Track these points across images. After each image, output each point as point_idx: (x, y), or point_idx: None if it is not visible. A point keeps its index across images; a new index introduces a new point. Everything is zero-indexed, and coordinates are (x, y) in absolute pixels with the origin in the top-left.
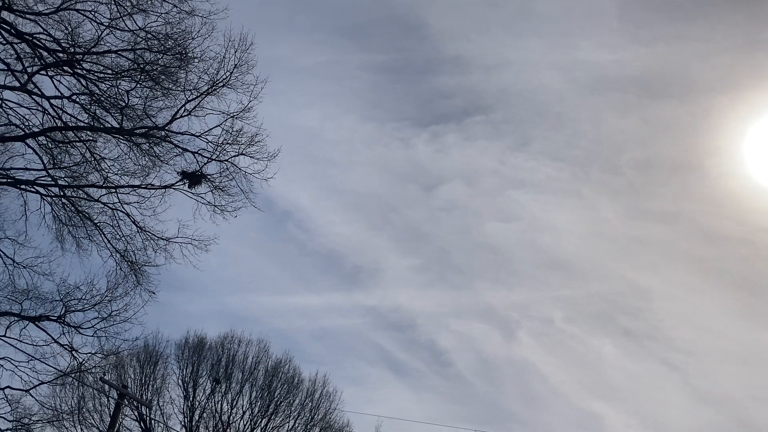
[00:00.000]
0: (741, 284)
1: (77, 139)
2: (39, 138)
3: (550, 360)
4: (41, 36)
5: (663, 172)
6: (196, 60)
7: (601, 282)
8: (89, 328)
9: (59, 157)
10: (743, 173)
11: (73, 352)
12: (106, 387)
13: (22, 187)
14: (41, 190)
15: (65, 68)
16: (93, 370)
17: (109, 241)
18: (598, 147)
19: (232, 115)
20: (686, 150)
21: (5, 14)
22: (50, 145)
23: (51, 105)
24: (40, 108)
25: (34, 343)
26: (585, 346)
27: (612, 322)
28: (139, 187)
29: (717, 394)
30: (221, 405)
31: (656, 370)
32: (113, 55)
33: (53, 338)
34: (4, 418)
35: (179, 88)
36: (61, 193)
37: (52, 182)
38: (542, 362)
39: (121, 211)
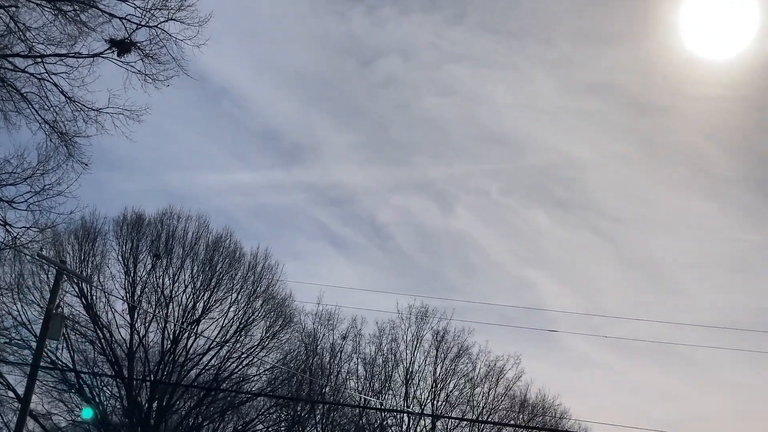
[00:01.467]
0: (671, 154)
1: None
2: None
3: (487, 231)
4: None
5: (597, 44)
6: None
7: (536, 154)
8: (22, 202)
9: None
10: (676, 44)
11: (7, 226)
12: (44, 263)
13: None
14: None
15: None
16: (29, 245)
17: (37, 112)
18: (533, 19)
19: None
20: (620, 22)
21: None
22: None
23: None
24: None
25: None
26: (520, 217)
27: (546, 193)
28: (66, 56)
29: (645, 259)
30: (163, 280)
31: (588, 238)
32: None
33: None
34: None
35: None
36: None
37: None
38: (479, 234)
39: (49, 81)
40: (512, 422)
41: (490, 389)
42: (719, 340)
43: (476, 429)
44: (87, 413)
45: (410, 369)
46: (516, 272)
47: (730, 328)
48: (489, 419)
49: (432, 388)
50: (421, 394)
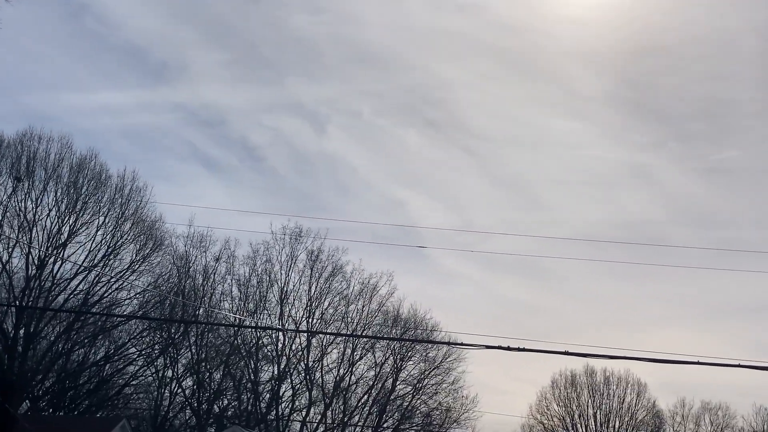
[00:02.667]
0: (537, 74)
1: None
2: None
3: (360, 152)
4: None
5: None
6: None
7: (407, 74)
8: None
9: None
10: None
11: None
12: None
13: None
14: None
15: None
16: None
17: None
18: None
19: None
20: None
21: None
22: None
23: None
24: None
25: None
26: (392, 136)
27: (417, 113)
28: None
29: (511, 176)
30: (25, 203)
31: (458, 157)
32: None
33: None
34: None
35: None
36: None
37: None
38: (352, 154)
39: None
40: (385, 336)
41: (364, 306)
42: (582, 252)
43: (351, 344)
44: None
45: (285, 289)
46: (388, 191)
47: (591, 240)
48: (363, 334)
49: (307, 306)
50: (296, 313)
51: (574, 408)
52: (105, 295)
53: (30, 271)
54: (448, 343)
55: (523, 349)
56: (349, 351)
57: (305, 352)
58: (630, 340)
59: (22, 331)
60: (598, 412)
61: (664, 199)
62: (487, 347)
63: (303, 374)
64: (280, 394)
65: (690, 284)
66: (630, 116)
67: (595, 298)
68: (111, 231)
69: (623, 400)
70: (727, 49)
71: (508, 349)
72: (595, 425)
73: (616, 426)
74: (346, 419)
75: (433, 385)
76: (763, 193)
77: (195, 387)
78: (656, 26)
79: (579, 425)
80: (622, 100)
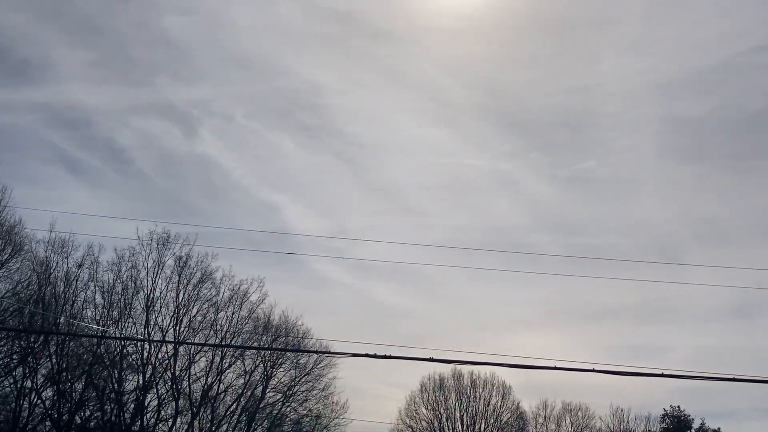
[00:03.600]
0: (409, 82)
1: None
2: None
3: (231, 155)
4: None
5: None
6: None
7: (281, 79)
8: None
9: None
10: None
11: None
12: None
13: None
14: None
15: None
16: None
17: None
18: None
19: None
20: None
21: None
22: None
23: None
24: None
25: None
26: (265, 141)
27: (291, 118)
28: None
29: (385, 183)
30: None
31: (331, 163)
32: None
33: None
34: None
35: None
36: None
37: None
38: (223, 157)
39: None
40: (255, 345)
41: (234, 313)
42: (450, 257)
43: (219, 352)
44: None
45: (151, 296)
46: (261, 196)
47: (459, 248)
48: (233, 342)
49: (174, 314)
50: (162, 321)
51: (442, 411)
52: None
53: None
54: (316, 352)
55: (390, 357)
56: (217, 359)
57: (172, 360)
58: (496, 342)
59: None
60: (465, 415)
61: (528, 206)
62: (354, 355)
63: (169, 383)
64: (146, 404)
65: (551, 288)
66: (496, 125)
67: (464, 302)
68: None
69: (489, 402)
70: (588, 63)
71: (375, 356)
72: (462, 428)
73: (482, 428)
74: (214, 428)
75: (303, 392)
76: (620, 202)
77: (55, 398)
78: (521, 39)
79: (447, 428)
80: (489, 109)
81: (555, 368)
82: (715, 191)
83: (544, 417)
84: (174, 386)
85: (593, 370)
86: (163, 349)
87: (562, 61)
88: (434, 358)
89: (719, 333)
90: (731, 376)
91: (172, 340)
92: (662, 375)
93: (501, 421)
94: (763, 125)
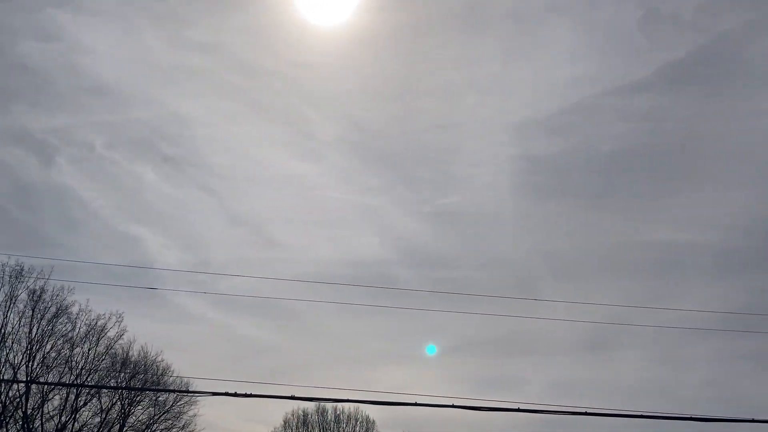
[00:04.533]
0: (276, 115)
1: None
2: None
3: (90, 185)
4: None
5: (205, 2)
6: None
7: (144, 108)
8: None
9: None
10: (284, 10)
11: None
12: None
13: None
14: None
15: None
16: None
17: None
18: None
19: None
20: None
21: None
22: None
23: None
24: None
25: None
26: (126, 171)
27: (153, 149)
28: None
29: (251, 216)
30: None
31: (195, 195)
32: None
33: None
34: None
35: None
36: None
37: None
38: (82, 188)
39: None
40: (112, 383)
41: (90, 349)
42: (315, 291)
43: (74, 389)
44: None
45: (2, 331)
46: (122, 228)
47: (324, 282)
48: (89, 379)
49: (27, 350)
50: (14, 358)
51: None
52: None
53: None
54: (174, 391)
55: (250, 395)
56: (72, 397)
57: (23, 399)
58: (361, 376)
59: None
60: None
61: (394, 240)
62: (214, 394)
63: (21, 422)
64: None
65: (416, 322)
66: (362, 160)
67: (330, 336)
68: None
69: None
70: (451, 101)
71: (235, 395)
72: None
73: None
74: None
75: (163, 430)
76: (481, 237)
77: None
78: (386, 76)
79: None
80: (355, 144)
81: (416, 404)
82: (569, 228)
83: None
84: (26, 425)
85: (452, 406)
86: (15, 386)
87: (426, 99)
88: (295, 395)
89: (574, 366)
90: (584, 410)
91: (24, 378)
92: (518, 410)
93: None
94: (612, 166)
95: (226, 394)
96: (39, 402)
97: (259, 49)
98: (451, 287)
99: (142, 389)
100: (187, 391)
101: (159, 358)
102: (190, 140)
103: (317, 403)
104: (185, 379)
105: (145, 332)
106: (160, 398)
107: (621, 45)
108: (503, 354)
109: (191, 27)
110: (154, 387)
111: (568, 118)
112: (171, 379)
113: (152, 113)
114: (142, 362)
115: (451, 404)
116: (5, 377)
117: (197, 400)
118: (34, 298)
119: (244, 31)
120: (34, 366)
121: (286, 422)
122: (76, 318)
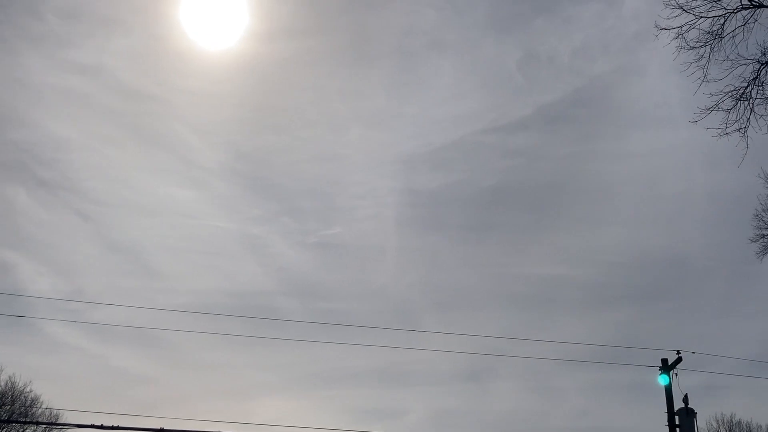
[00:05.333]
0: (157, 141)
1: None
2: None
3: None
4: None
5: (87, 24)
6: None
7: (18, 130)
8: None
9: None
10: (169, 36)
11: None
12: None
13: None
14: None
15: None
16: None
17: None
18: None
19: None
20: (112, 5)
21: None
22: None
23: None
24: None
25: None
26: None
27: (27, 172)
28: None
29: (128, 243)
30: None
31: (70, 220)
32: None
33: None
34: None
35: None
36: None
37: None
38: None
39: None
40: None
41: None
42: (195, 322)
43: None
44: None
45: None
46: None
47: (203, 313)
48: None
49: None
50: None
51: None
52: None
53: None
54: (40, 423)
55: (118, 428)
56: None
57: None
58: (241, 408)
59: None
60: None
61: (276, 271)
62: (80, 426)
63: None
64: None
65: (298, 353)
66: (246, 189)
67: (209, 368)
68: None
69: None
70: (337, 133)
71: (101, 427)
72: None
73: None
74: None
75: None
76: (364, 268)
77: None
78: (272, 106)
79: None
80: (239, 172)
81: None
82: (449, 261)
83: None
84: None
85: None
86: None
87: (312, 130)
88: (164, 428)
89: (453, 396)
90: None
91: None
92: None
93: None
94: (492, 201)
95: (92, 426)
96: None
97: (143, 73)
98: (333, 318)
99: (8, 421)
100: (54, 423)
101: (27, 389)
102: (67, 164)
103: None
104: (55, 411)
105: (14, 362)
106: (27, 431)
107: (501, 85)
108: (385, 385)
109: (72, 48)
110: (21, 419)
111: (451, 153)
112: (40, 410)
113: (27, 135)
114: (9, 393)
115: None
116: None
117: None
118: None
119: (128, 54)
120: None
121: None
122: None
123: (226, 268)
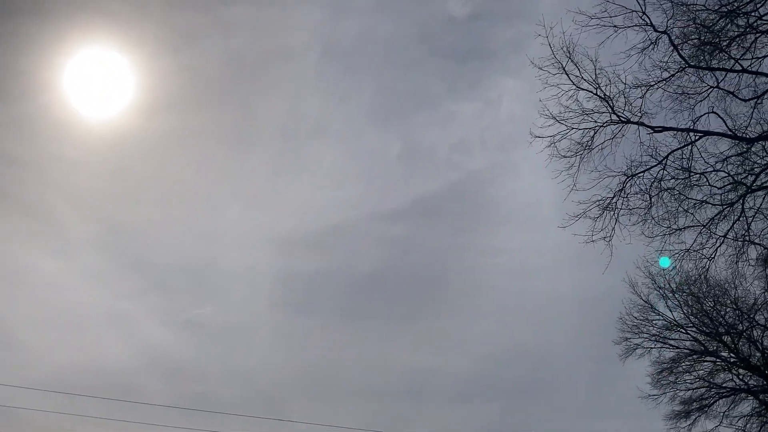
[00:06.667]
0: (25, 208)
1: None
2: None
3: None
4: None
5: None
6: None
7: None
8: None
9: None
10: (54, 98)
11: None
12: None
13: None
14: None
15: None
16: None
17: None
18: None
19: None
20: None
21: None
22: None
23: None
24: None
25: None
26: None
27: None
28: None
29: None
30: None
31: None
32: None
33: None
34: None
35: None
36: None
37: None
38: None
39: None
40: None
41: None
42: (52, 400)
43: None
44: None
45: None
46: None
47: (63, 393)
48: None
49: None
50: None
51: None
52: None
53: None
54: None
55: None
56: None
57: None
58: None
59: None
60: None
61: (142, 349)
62: None
63: None
64: None
65: None
66: (115, 263)
67: None
68: None
69: None
70: (214, 211)
71: None
72: None
73: None
74: None
75: None
76: (233, 350)
77: None
78: (149, 180)
79: None
80: (109, 246)
81: None
82: (322, 346)
83: None
84: None
85: None
86: None
87: (189, 206)
88: None
89: None
90: None
91: None
92: None
93: None
94: (368, 287)
95: None
96: None
97: (17, 139)
98: (201, 402)
99: None
100: None
101: None
102: None
103: None
104: None
105: None
106: None
107: (381, 173)
108: None
109: None
110: None
111: (329, 237)
112: None
113: None
114: None
115: None
116: None
117: None
118: None
119: (5, 119)
120: None
121: None
122: None
123: (89, 345)
